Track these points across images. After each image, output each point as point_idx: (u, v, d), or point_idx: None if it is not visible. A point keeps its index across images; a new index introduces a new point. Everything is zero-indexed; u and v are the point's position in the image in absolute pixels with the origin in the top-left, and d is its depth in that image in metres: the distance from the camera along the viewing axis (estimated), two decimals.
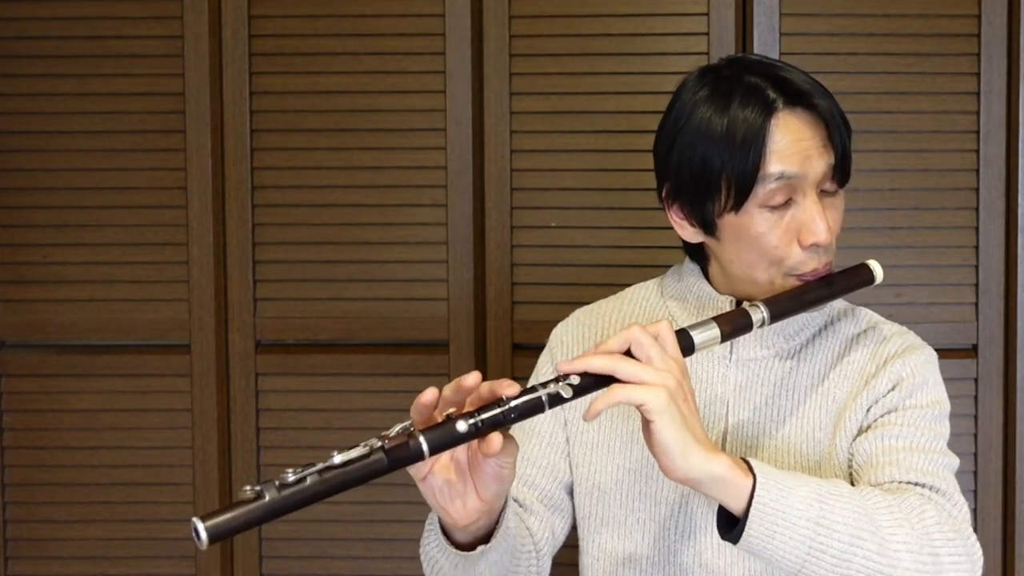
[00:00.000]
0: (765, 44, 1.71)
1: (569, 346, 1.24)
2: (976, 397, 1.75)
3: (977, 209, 1.74)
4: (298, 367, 1.81)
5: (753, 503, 0.92)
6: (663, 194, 1.15)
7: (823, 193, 1.08)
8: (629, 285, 1.30)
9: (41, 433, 1.83)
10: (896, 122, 1.74)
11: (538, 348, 1.30)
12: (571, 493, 1.21)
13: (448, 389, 0.89)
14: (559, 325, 1.28)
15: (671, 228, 1.17)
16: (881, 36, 1.73)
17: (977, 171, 1.73)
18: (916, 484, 1.05)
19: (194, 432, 1.81)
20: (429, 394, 0.88)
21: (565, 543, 1.22)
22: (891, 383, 1.12)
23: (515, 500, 1.17)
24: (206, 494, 1.81)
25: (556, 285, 1.78)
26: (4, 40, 1.80)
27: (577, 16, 1.75)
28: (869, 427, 1.12)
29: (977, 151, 1.73)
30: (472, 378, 0.89)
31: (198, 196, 1.78)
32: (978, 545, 1.02)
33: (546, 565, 1.17)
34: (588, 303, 1.29)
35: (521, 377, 1.75)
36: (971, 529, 1.03)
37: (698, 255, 1.19)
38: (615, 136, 1.75)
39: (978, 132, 1.73)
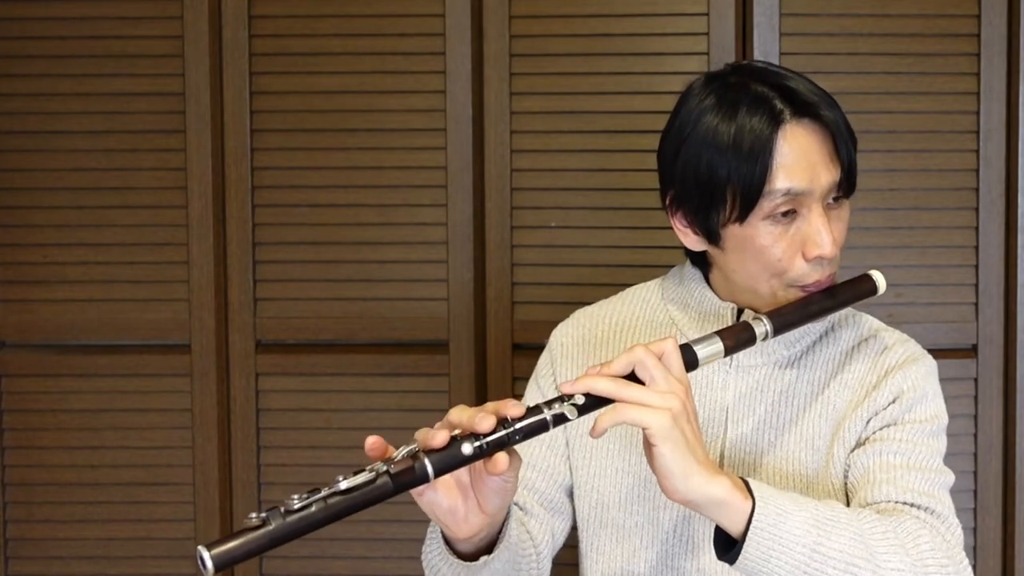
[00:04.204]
0: (765, 44, 1.71)
1: (569, 348, 1.23)
2: (976, 397, 1.75)
3: (977, 209, 1.74)
4: (298, 367, 1.81)
5: (751, 527, 0.92)
6: (667, 201, 1.14)
7: (828, 204, 1.08)
8: (629, 285, 1.29)
9: (41, 433, 1.83)
10: (896, 122, 1.73)
11: (538, 348, 1.30)
12: (571, 496, 1.21)
13: (455, 415, 0.90)
14: (559, 326, 1.27)
15: (671, 228, 1.16)
16: (881, 36, 1.73)
17: (977, 171, 1.73)
18: (912, 505, 1.05)
19: (194, 432, 1.81)
20: (440, 437, 0.87)
21: (565, 543, 1.22)
22: (892, 396, 1.12)
23: (515, 504, 1.16)
24: (206, 494, 1.81)
25: (556, 285, 1.78)
26: (4, 40, 1.80)
27: (577, 16, 1.75)
28: (867, 440, 1.11)
29: (977, 151, 1.73)
30: (487, 423, 0.88)
31: (198, 196, 1.78)
32: (970, 570, 1.03)
33: (546, 567, 1.17)
34: (588, 303, 1.29)
35: (520, 377, 1.75)
36: (964, 553, 1.04)
37: (700, 260, 1.19)
38: (615, 136, 1.75)
39: (978, 132, 1.73)
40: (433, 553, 1.03)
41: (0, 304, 1.83)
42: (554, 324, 1.29)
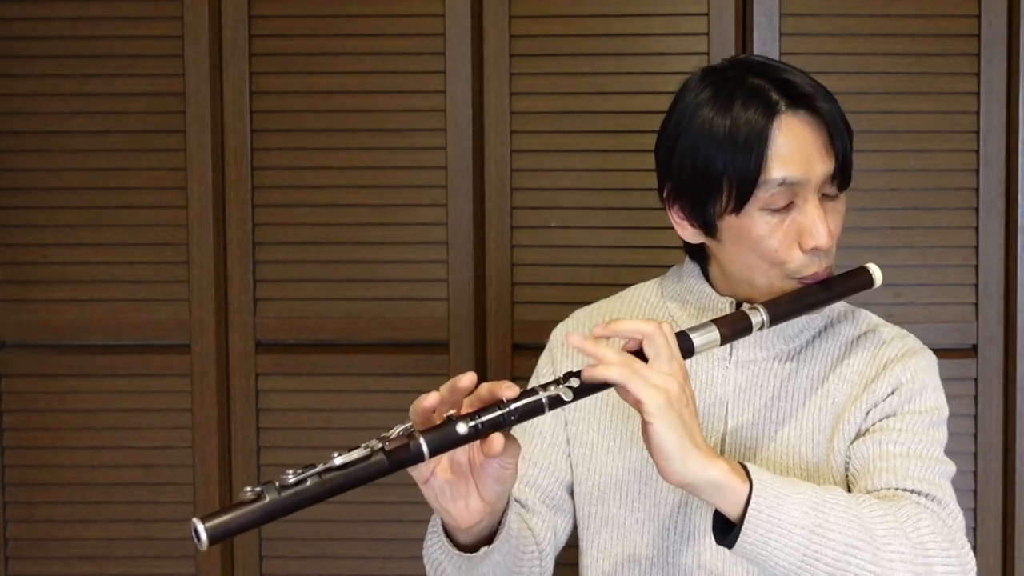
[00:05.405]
0: (765, 44, 1.71)
1: (569, 347, 1.24)
2: (976, 397, 1.75)
3: (977, 209, 1.74)
4: (298, 367, 1.81)
5: (749, 510, 0.93)
6: (664, 194, 1.15)
7: (824, 197, 1.08)
8: (629, 285, 1.30)
9: (41, 433, 1.83)
10: (896, 122, 1.73)
11: (538, 348, 1.30)
12: (572, 493, 1.21)
13: (444, 389, 0.90)
14: (559, 325, 1.28)
15: (671, 228, 1.17)
16: (881, 36, 1.73)
17: (977, 171, 1.73)
18: (912, 492, 1.05)
19: (194, 432, 1.81)
20: (431, 398, 0.88)
21: (567, 542, 1.23)
22: (891, 387, 1.12)
23: (517, 500, 1.17)
24: (206, 494, 1.81)
25: (556, 285, 1.78)
26: (4, 40, 1.80)
27: (577, 16, 1.75)
28: (867, 431, 1.12)
29: (977, 151, 1.73)
30: (467, 379, 0.89)
31: (198, 196, 1.78)
32: (972, 555, 1.02)
33: (549, 565, 1.17)
34: (588, 303, 1.29)
35: (521, 377, 1.75)
36: (965, 538, 1.04)
37: (698, 255, 1.19)
38: (615, 136, 1.75)
39: (978, 132, 1.73)
40: (434, 547, 1.04)
41: (0, 304, 1.83)
42: (554, 324, 1.29)
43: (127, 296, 1.81)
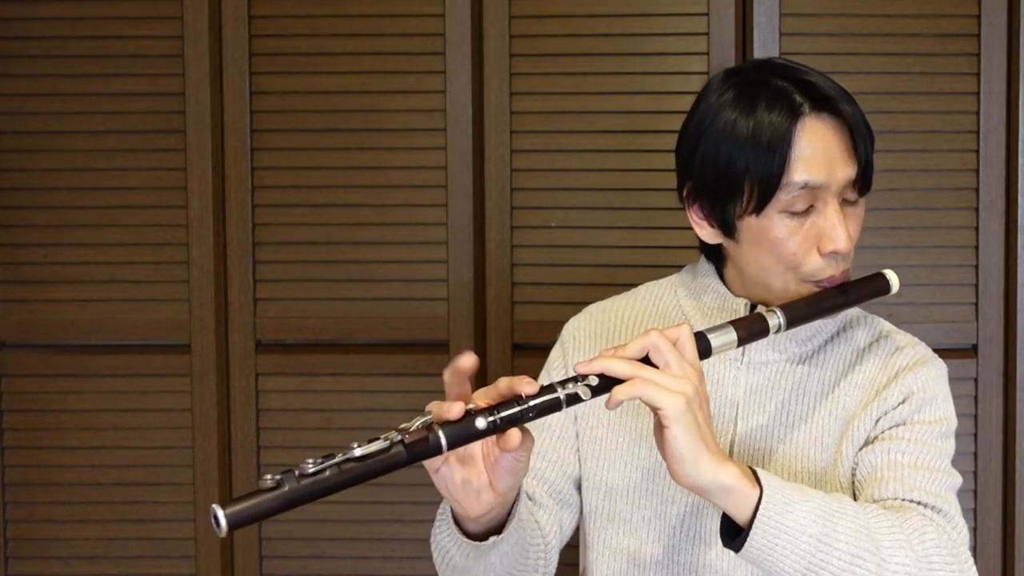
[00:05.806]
0: (765, 44, 1.71)
1: (581, 341, 1.24)
2: (976, 397, 1.75)
3: (977, 209, 1.74)
4: (298, 367, 1.81)
5: (757, 515, 0.93)
6: (684, 194, 1.15)
7: (844, 201, 1.08)
8: (630, 285, 1.30)
9: (41, 433, 1.83)
10: (896, 122, 1.74)
11: (538, 348, 1.31)
12: (579, 488, 1.21)
13: (447, 374, 0.90)
14: (572, 320, 1.28)
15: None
16: (881, 36, 1.73)
17: (977, 171, 1.73)
18: (919, 503, 1.05)
19: (194, 432, 1.81)
20: (455, 410, 0.87)
21: (567, 542, 1.22)
22: (902, 396, 1.12)
23: (524, 493, 1.17)
24: (206, 494, 1.81)
25: (556, 285, 1.78)
26: (4, 40, 1.80)
27: (577, 16, 1.75)
28: (876, 439, 1.12)
29: (977, 151, 1.73)
30: (467, 360, 0.89)
31: (198, 196, 1.78)
32: (975, 569, 1.03)
33: (553, 559, 1.17)
34: (588, 303, 1.29)
35: None
36: (969, 553, 1.04)
37: (714, 256, 1.19)
38: (615, 136, 1.75)
39: (978, 132, 1.73)
40: (443, 534, 1.04)
41: (0, 304, 1.83)
42: (554, 324, 1.29)
43: (127, 296, 1.81)
